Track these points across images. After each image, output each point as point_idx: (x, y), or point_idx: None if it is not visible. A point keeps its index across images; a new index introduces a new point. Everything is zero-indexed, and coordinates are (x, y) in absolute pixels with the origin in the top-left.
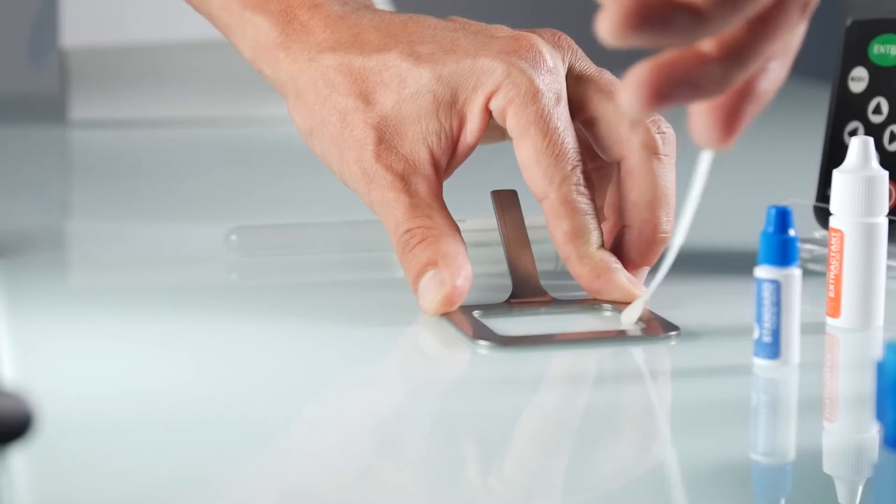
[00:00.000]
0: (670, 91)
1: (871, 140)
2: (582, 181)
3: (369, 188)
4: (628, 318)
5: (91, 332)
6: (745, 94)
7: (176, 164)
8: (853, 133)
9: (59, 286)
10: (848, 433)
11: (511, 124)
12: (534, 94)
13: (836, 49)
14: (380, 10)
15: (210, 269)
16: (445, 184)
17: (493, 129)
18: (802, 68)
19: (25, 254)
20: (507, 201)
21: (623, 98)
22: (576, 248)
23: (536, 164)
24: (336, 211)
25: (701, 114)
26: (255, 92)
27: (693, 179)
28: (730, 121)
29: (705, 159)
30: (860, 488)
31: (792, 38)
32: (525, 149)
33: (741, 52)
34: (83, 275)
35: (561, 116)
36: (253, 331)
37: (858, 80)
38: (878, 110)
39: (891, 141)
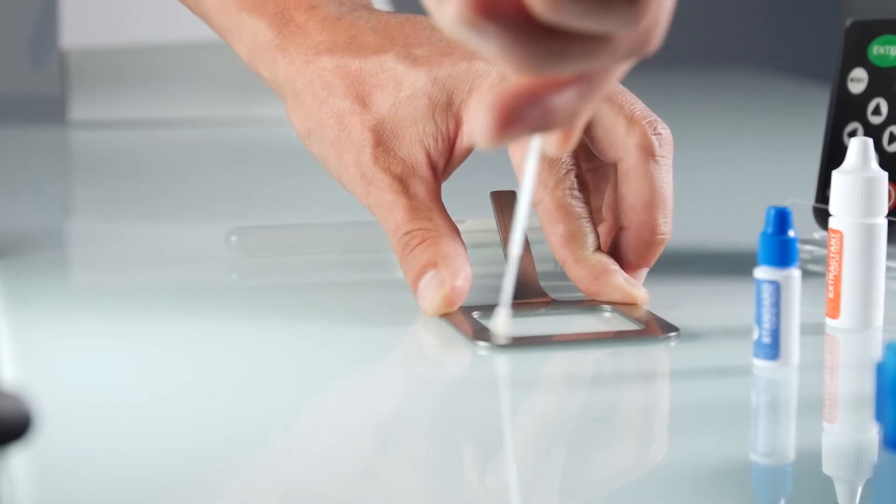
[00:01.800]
0: (523, 117)
1: (870, 141)
2: (576, 185)
3: (368, 191)
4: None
5: (91, 332)
6: (533, 100)
7: (176, 164)
8: (852, 134)
9: (59, 286)
10: (847, 434)
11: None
12: None
13: (836, 50)
14: (377, 10)
15: (210, 270)
16: (445, 184)
17: None
18: (802, 69)
19: (25, 254)
20: (506, 202)
21: (474, 124)
22: (572, 251)
23: None
24: (336, 211)
25: (479, 107)
26: (255, 92)
27: (526, 165)
28: (508, 120)
29: (532, 156)
30: (860, 489)
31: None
32: (519, 153)
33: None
34: (83, 275)
35: None
36: (253, 331)
37: (858, 80)
38: (877, 111)
39: (890, 142)
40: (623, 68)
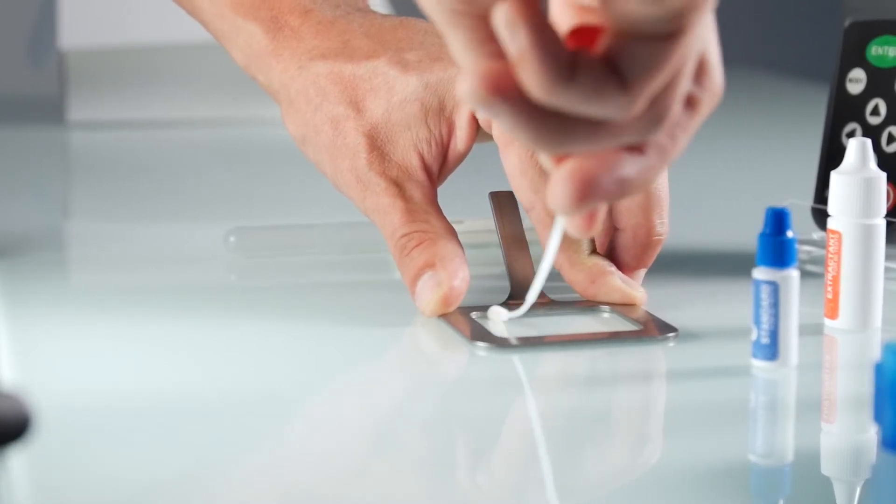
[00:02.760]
0: (598, 187)
1: (868, 141)
2: None
3: (364, 195)
4: (497, 316)
5: (90, 333)
6: (606, 171)
7: (175, 164)
8: (851, 134)
9: (59, 286)
10: (846, 434)
11: (496, 134)
12: None
13: (835, 50)
14: (372, 13)
15: (210, 270)
16: (443, 185)
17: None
18: (801, 69)
19: (25, 254)
20: (505, 203)
21: (551, 194)
22: (567, 255)
23: (522, 175)
24: (335, 212)
25: (560, 179)
26: (254, 93)
27: (549, 241)
28: (585, 191)
29: (558, 226)
30: (858, 490)
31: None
32: (510, 159)
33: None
34: (83, 275)
35: None
36: (252, 331)
37: (856, 81)
38: (875, 112)
39: (889, 142)
40: (691, 133)
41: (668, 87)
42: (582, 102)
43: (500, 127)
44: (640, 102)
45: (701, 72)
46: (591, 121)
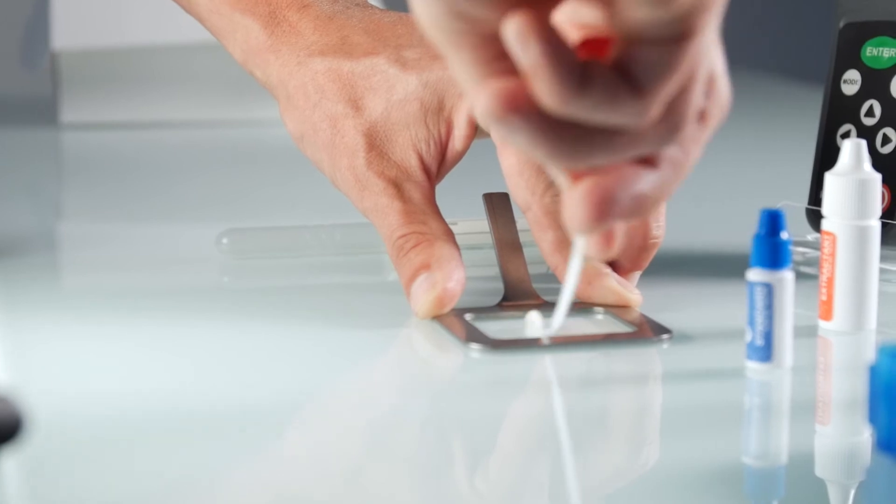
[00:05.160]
0: (616, 205)
1: (863, 143)
2: None
3: (362, 195)
4: (533, 327)
5: (83, 335)
6: (623, 188)
7: (168, 166)
8: (846, 136)
9: (52, 288)
10: (840, 437)
11: (494, 134)
12: None
13: (829, 51)
14: (371, 8)
15: (203, 272)
16: (439, 185)
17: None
18: (796, 70)
19: (18, 256)
20: (499, 204)
21: (569, 214)
22: (563, 257)
23: (518, 175)
24: (328, 213)
25: (577, 197)
26: (247, 94)
27: (570, 264)
28: (603, 208)
29: (578, 248)
30: (852, 492)
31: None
32: (507, 159)
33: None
34: (76, 277)
35: None
36: (245, 333)
37: (851, 82)
38: (870, 113)
39: (883, 144)
40: (702, 146)
41: (683, 93)
42: (597, 110)
43: (518, 145)
44: (655, 107)
45: (708, 84)
46: (607, 131)
